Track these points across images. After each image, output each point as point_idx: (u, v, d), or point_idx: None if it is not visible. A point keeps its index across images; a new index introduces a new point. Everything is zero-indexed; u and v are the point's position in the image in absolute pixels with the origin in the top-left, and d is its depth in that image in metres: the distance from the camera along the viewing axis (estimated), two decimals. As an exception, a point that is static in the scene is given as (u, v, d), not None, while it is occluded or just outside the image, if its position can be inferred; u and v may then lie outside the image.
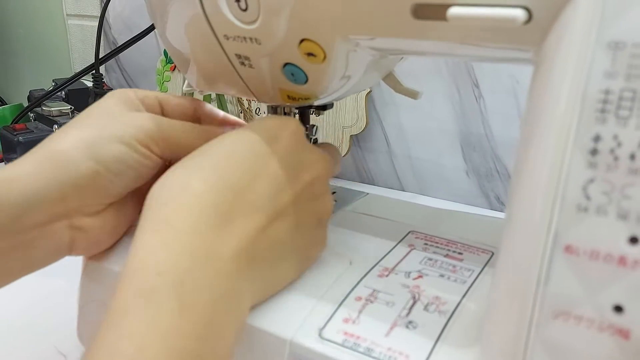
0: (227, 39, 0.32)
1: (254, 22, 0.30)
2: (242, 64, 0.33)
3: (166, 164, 0.33)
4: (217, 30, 0.31)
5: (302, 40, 0.29)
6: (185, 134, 0.33)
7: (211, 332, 0.23)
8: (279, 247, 0.28)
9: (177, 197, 0.25)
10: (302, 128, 0.31)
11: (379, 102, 0.66)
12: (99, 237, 0.33)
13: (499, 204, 0.60)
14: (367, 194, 0.43)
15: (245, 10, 0.29)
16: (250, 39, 0.30)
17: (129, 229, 0.35)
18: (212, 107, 0.38)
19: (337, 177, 0.44)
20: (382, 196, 0.44)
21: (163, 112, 0.35)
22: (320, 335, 0.27)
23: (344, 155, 0.67)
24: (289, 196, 0.29)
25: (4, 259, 0.29)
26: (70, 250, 0.32)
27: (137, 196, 0.34)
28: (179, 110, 0.36)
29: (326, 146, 0.33)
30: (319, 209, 0.31)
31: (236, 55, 0.32)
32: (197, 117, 0.37)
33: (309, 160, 0.31)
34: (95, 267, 0.34)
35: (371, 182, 0.69)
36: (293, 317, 0.29)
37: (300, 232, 0.30)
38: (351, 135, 0.66)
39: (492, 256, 0.33)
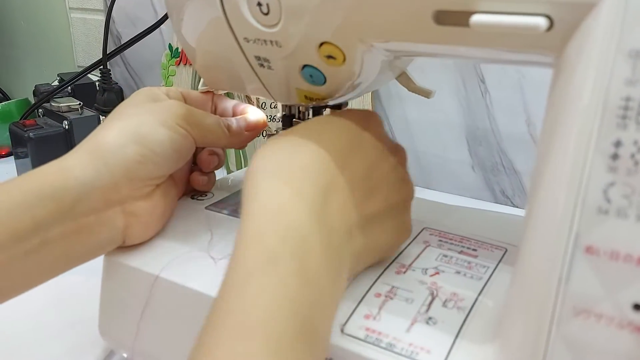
0: (247, 41, 0.32)
1: (275, 25, 0.30)
2: (261, 65, 0.33)
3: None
4: (238, 32, 0.32)
5: (322, 43, 0.30)
6: (208, 119, 0.37)
7: (324, 302, 0.24)
8: (372, 226, 0.29)
9: (286, 166, 0.27)
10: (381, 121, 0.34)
11: (385, 96, 0.66)
12: (150, 221, 0.35)
13: (504, 197, 0.61)
14: (379, 190, 0.44)
15: (267, 14, 0.30)
16: (271, 41, 0.31)
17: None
18: (225, 98, 0.42)
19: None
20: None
21: (186, 103, 0.39)
22: (342, 330, 0.28)
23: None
24: (380, 176, 0.30)
25: (67, 243, 0.31)
26: (124, 236, 0.34)
27: (178, 182, 0.39)
28: (198, 101, 0.40)
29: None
30: (404, 193, 0.32)
31: (255, 57, 0.33)
32: (214, 107, 0.42)
33: (392, 147, 0.32)
34: (116, 265, 0.35)
35: (377, 176, 0.70)
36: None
37: (392, 213, 0.31)
38: (357, 130, 0.67)
39: (505, 253, 0.34)
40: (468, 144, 0.62)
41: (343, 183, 0.28)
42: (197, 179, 0.41)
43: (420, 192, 0.66)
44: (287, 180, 0.26)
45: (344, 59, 0.30)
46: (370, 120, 0.32)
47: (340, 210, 0.27)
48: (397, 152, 0.33)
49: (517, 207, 0.60)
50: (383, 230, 0.30)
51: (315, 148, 0.28)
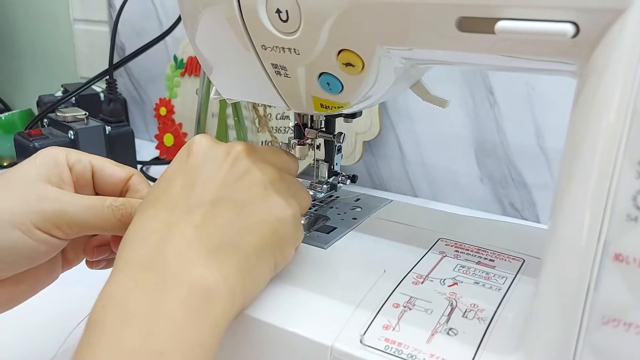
0: (265, 49, 0.32)
1: (294, 32, 0.30)
2: (278, 73, 0.33)
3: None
4: (255, 40, 0.32)
5: (341, 51, 0.30)
6: (95, 215, 0.31)
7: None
8: (231, 234, 0.29)
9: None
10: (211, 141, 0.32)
11: (392, 109, 0.66)
12: None
13: (513, 210, 0.61)
14: (391, 200, 0.44)
15: (286, 21, 0.30)
16: (289, 49, 0.31)
17: None
18: (144, 181, 0.36)
19: (351, 182, 0.45)
20: (407, 203, 0.44)
21: (94, 179, 0.34)
22: (361, 341, 0.28)
23: (356, 162, 0.67)
24: (215, 183, 0.30)
25: None
26: None
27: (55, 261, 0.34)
28: (111, 180, 0.35)
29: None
30: (252, 179, 0.31)
31: (272, 64, 0.33)
32: (128, 187, 0.35)
33: (226, 147, 0.32)
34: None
35: (384, 189, 0.69)
36: (331, 323, 0.29)
37: (247, 213, 0.30)
38: (364, 142, 0.67)
39: (523, 263, 0.34)
40: (476, 156, 0.62)
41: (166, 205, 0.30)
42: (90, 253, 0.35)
43: (428, 205, 0.66)
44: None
45: (363, 67, 0.30)
46: (191, 146, 0.32)
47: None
48: (236, 144, 0.32)
49: (527, 220, 0.60)
50: (247, 232, 0.30)
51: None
